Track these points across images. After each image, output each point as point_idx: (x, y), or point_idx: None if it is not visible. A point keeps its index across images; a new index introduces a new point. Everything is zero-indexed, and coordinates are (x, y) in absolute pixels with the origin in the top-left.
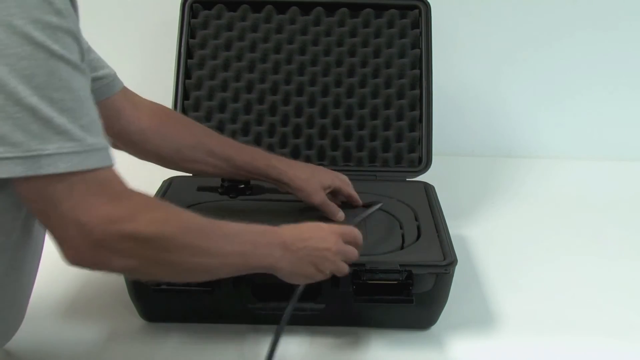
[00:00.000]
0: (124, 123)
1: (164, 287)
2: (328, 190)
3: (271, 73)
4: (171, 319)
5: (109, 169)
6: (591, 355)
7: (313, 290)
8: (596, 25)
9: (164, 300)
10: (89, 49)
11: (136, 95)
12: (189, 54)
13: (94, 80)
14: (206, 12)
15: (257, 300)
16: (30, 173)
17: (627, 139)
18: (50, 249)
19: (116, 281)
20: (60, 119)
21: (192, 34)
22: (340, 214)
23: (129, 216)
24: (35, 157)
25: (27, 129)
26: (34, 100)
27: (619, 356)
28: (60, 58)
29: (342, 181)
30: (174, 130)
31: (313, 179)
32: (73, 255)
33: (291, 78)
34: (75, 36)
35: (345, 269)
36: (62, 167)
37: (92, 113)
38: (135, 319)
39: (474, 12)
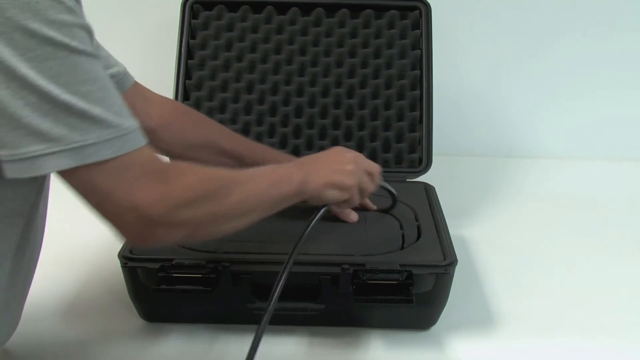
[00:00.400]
0: None
1: (163, 287)
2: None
3: (271, 73)
4: (171, 319)
5: (145, 148)
6: (591, 355)
7: (313, 291)
8: (596, 25)
9: (163, 300)
10: (99, 46)
11: (148, 90)
12: (190, 55)
13: (112, 77)
14: (207, 12)
15: (257, 299)
16: (76, 164)
17: (627, 139)
18: (50, 249)
19: (116, 281)
20: (95, 110)
21: (192, 34)
22: (354, 215)
23: (175, 188)
24: (79, 148)
25: (66, 123)
26: (66, 97)
27: (620, 356)
28: (81, 52)
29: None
30: (185, 128)
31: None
32: (138, 239)
33: (291, 79)
34: (88, 29)
35: (370, 187)
36: (106, 154)
37: (118, 98)
38: (134, 319)
39: (475, 13)
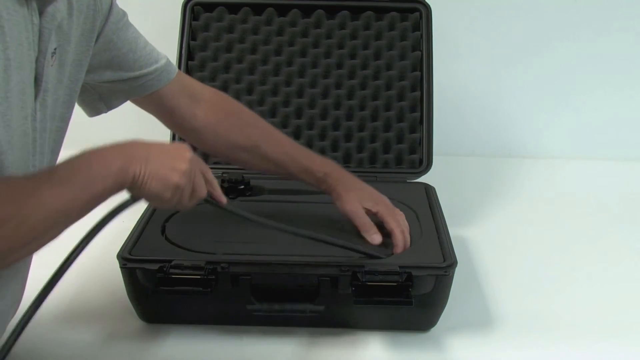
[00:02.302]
0: (178, 120)
1: (162, 288)
2: (367, 209)
3: (272, 75)
4: (170, 321)
5: None
6: (592, 356)
7: (312, 292)
8: (596, 26)
9: (163, 302)
10: (146, 43)
11: (195, 83)
12: (190, 56)
13: (146, 75)
14: (207, 14)
15: (256, 301)
16: None
17: (627, 139)
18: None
19: (115, 282)
20: None
21: (193, 36)
22: (376, 236)
23: None
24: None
25: None
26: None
27: (620, 356)
28: None
29: (384, 209)
30: (230, 131)
31: (354, 192)
32: None
33: (292, 80)
34: None
35: (203, 192)
36: None
37: None
38: (134, 320)
39: (474, 14)
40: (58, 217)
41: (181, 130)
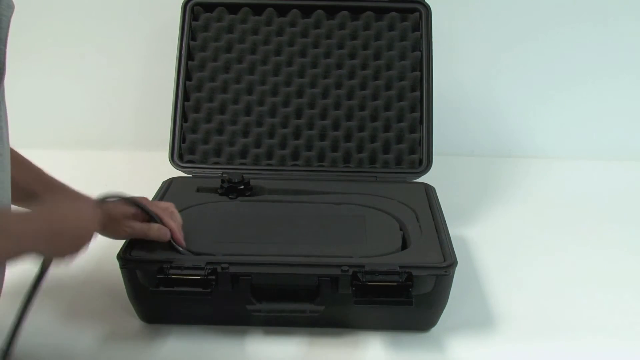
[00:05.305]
0: None
1: (162, 288)
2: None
3: (272, 75)
4: (170, 321)
5: None
6: (593, 356)
7: (312, 292)
8: (595, 26)
9: (162, 302)
10: None
11: None
12: (190, 56)
13: None
14: (207, 14)
15: (256, 301)
16: None
17: (626, 138)
18: None
19: (115, 282)
20: None
21: (193, 36)
22: (164, 230)
23: None
24: None
25: None
26: None
27: (621, 356)
28: None
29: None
30: None
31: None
32: None
33: (291, 80)
34: None
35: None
36: None
37: None
38: (134, 321)
39: (474, 15)
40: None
41: None
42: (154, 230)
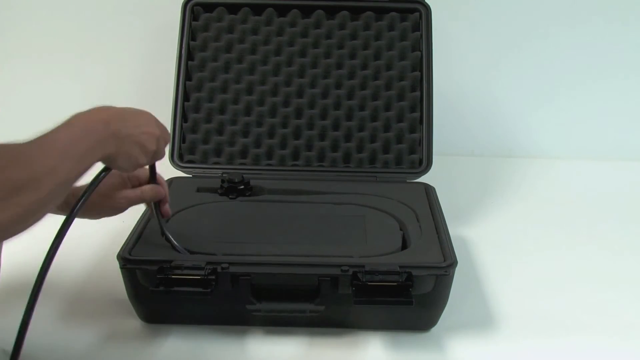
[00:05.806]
0: None
1: (162, 288)
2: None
3: (272, 75)
4: (170, 321)
5: None
6: (593, 356)
7: (312, 292)
8: (594, 26)
9: (162, 302)
10: None
11: None
12: (190, 56)
13: None
14: (207, 14)
15: (256, 301)
16: None
17: (626, 138)
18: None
19: (115, 282)
20: None
21: (193, 36)
22: (146, 189)
23: None
24: None
25: None
26: None
27: (621, 356)
28: None
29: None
30: None
31: None
32: None
33: (291, 80)
34: None
35: (162, 154)
36: None
37: None
38: (134, 321)
39: (474, 15)
40: (65, 185)
41: None
42: (148, 191)
